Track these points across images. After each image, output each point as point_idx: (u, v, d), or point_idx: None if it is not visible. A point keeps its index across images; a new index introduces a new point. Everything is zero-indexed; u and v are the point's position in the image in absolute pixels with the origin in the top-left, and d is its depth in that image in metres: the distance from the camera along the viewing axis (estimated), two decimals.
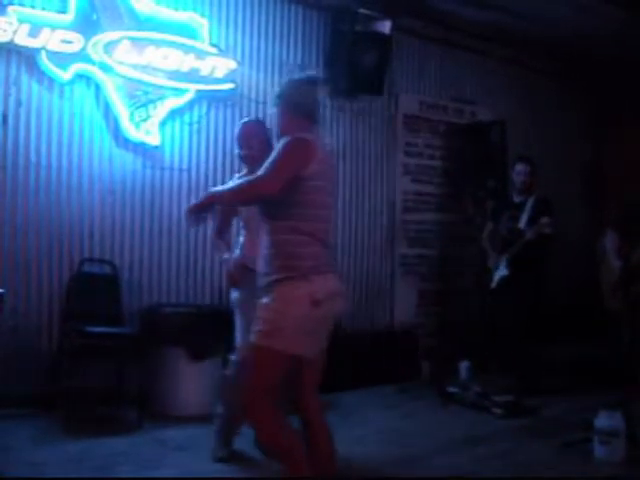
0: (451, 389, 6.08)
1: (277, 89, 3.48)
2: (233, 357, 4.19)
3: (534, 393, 5.89)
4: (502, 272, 6.27)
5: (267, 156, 3.25)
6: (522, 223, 6.22)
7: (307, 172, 3.13)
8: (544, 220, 5.92)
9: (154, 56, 5.64)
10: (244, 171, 4.34)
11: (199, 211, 3.22)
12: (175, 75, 5.76)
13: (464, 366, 6.33)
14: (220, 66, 5.94)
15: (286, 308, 3.08)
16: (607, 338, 6.66)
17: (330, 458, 3.28)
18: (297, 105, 3.33)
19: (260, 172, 3.14)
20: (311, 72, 3.66)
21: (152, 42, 5.64)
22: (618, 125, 9.01)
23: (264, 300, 3.16)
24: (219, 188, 3.62)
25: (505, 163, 7.30)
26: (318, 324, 3.16)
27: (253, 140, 4.29)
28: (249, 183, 3.24)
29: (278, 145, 3.23)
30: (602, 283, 6.47)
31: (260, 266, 3.25)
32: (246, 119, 4.72)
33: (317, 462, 3.18)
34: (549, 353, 6.51)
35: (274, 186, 3.08)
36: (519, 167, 6.48)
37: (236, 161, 6.07)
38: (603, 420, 4.51)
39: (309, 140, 3.18)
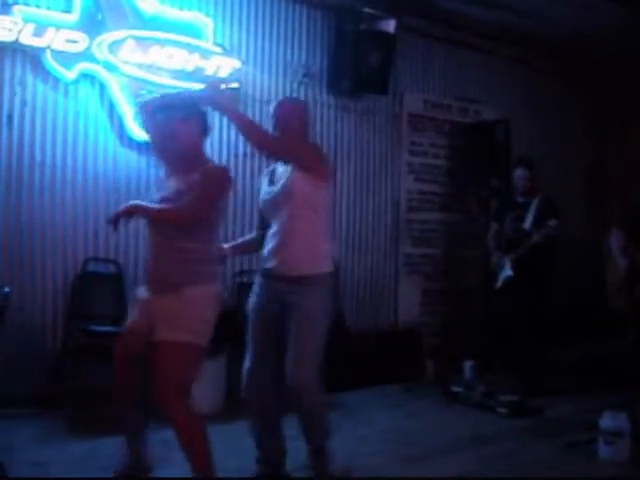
0: (455, 388, 6.08)
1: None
2: None
3: (538, 393, 5.88)
4: (507, 273, 6.25)
5: (304, 143, 3.66)
6: (527, 223, 6.20)
7: (223, 201, 3.49)
8: (552, 223, 5.90)
9: (159, 55, 5.64)
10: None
11: (120, 218, 3.47)
12: (180, 74, 5.76)
13: (468, 365, 6.33)
14: (225, 65, 5.94)
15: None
16: (612, 338, 6.64)
17: None
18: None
19: (188, 202, 3.35)
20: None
21: (157, 41, 5.64)
22: (621, 124, 9.00)
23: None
24: (145, 203, 3.60)
25: (509, 162, 7.28)
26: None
27: (295, 121, 3.84)
28: (177, 211, 3.39)
29: (206, 174, 3.45)
30: (607, 282, 6.44)
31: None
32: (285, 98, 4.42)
33: None
34: (553, 353, 6.51)
35: (201, 219, 3.38)
36: (518, 172, 6.45)
37: (240, 160, 6.10)
38: (607, 420, 4.51)
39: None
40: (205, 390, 5.36)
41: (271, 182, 3.87)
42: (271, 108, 3.91)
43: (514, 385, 5.99)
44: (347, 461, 4.08)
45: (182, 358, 3.34)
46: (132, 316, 3.62)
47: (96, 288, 5.44)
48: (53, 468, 4.07)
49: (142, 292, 3.60)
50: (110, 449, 4.43)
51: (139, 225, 5.72)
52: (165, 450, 4.01)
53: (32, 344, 5.28)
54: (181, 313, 3.38)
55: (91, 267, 5.53)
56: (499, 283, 6.34)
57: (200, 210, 3.39)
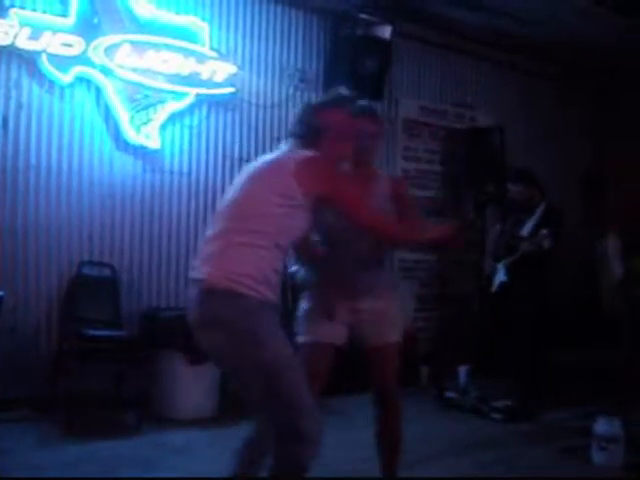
0: (450, 394, 6.08)
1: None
2: None
3: (534, 398, 5.88)
4: (501, 278, 6.21)
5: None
6: (525, 230, 6.08)
7: None
8: (542, 233, 5.78)
9: (154, 60, 5.64)
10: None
11: None
12: (175, 79, 5.76)
13: (463, 371, 6.32)
14: (220, 70, 5.95)
15: None
16: (608, 343, 6.65)
17: None
18: None
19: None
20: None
21: (153, 46, 5.65)
22: (617, 128, 9.02)
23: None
24: None
25: (504, 168, 7.29)
26: None
27: None
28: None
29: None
30: (602, 287, 6.43)
31: None
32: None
33: None
34: (550, 359, 6.50)
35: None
36: (513, 188, 6.26)
37: (236, 165, 6.10)
38: (601, 426, 4.51)
39: None
40: (200, 394, 5.37)
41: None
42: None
43: (510, 390, 5.98)
44: (342, 466, 4.08)
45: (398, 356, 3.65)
46: (316, 328, 3.47)
47: (91, 292, 5.43)
48: (48, 471, 4.06)
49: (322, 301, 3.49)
50: (105, 452, 4.44)
51: (134, 228, 5.76)
52: (160, 453, 4.01)
53: (27, 347, 5.27)
54: (395, 316, 3.61)
55: (86, 270, 5.52)
56: (494, 287, 6.30)
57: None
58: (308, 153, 2.81)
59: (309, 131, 2.93)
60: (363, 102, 3.72)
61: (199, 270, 2.78)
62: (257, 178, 2.85)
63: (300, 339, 3.46)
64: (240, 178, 2.91)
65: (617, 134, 9.01)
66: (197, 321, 2.76)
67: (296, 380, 2.73)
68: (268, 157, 2.95)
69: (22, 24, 5.13)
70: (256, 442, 3.09)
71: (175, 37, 5.78)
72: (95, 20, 5.45)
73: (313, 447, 2.78)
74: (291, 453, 2.77)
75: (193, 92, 5.89)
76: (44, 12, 5.32)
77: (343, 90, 3.22)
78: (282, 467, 2.79)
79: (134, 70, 5.57)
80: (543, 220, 6.00)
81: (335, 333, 3.51)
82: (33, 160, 5.36)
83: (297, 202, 2.73)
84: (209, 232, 2.86)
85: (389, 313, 3.58)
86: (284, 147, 2.98)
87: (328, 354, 3.52)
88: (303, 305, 3.56)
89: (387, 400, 3.66)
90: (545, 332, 6.07)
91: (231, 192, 2.89)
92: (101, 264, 5.61)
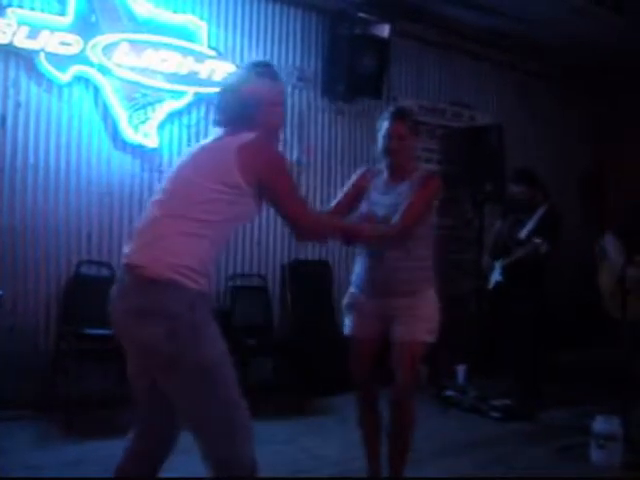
0: (449, 393, 6.08)
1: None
2: None
3: (534, 398, 5.88)
4: (497, 277, 6.19)
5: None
6: (524, 232, 6.05)
7: None
8: (536, 241, 5.74)
9: (153, 59, 5.64)
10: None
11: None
12: (174, 78, 5.76)
13: (462, 370, 6.32)
14: (219, 69, 5.94)
15: None
16: (606, 342, 6.64)
17: None
18: None
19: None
20: None
21: (151, 45, 5.65)
22: (616, 128, 9.02)
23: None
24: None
25: (503, 167, 7.29)
26: None
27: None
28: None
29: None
30: (601, 286, 6.40)
31: None
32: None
33: None
34: (550, 359, 6.49)
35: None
36: (515, 188, 6.24)
37: None
38: (600, 424, 4.51)
39: None
40: None
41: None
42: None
43: (509, 389, 5.98)
44: (340, 465, 4.07)
45: (422, 355, 3.68)
46: (356, 324, 3.72)
47: (89, 291, 5.41)
48: (47, 471, 4.05)
49: (361, 299, 3.70)
50: (104, 452, 4.42)
51: (132, 227, 5.74)
52: None
53: (25, 347, 5.26)
54: (428, 316, 3.63)
55: (84, 270, 5.52)
56: (491, 284, 6.27)
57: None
58: (249, 136, 2.64)
59: (241, 112, 2.74)
60: (396, 104, 3.80)
61: (137, 256, 2.58)
62: (197, 165, 2.69)
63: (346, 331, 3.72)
64: (180, 162, 2.77)
65: (616, 134, 9.01)
66: (130, 311, 2.53)
67: (230, 378, 2.57)
68: (207, 142, 2.81)
69: (20, 23, 5.12)
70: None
71: (173, 36, 5.78)
72: (93, 19, 5.44)
73: (252, 472, 2.58)
74: None
75: (191, 91, 5.89)
76: (42, 11, 5.31)
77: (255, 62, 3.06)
78: None
79: (132, 69, 5.57)
80: (542, 223, 5.95)
81: (372, 328, 3.63)
82: (31, 159, 5.35)
83: (241, 190, 2.59)
84: (147, 215, 2.69)
85: (423, 310, 3.61)
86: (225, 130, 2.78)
87: (370, 348, 3.68)
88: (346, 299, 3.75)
89: (398, 401, 3.59)
90: (545, 332, 6.06)
91: (171, 176, 2.73)
92: (100, 263, 5.61)
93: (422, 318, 3.58)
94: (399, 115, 3.65)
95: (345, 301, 3.78)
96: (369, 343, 3.67)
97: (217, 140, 2.75)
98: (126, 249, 2.66)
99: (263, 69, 2.86)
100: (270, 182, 2.65)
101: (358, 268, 3.72)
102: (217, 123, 2.82)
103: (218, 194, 2.58)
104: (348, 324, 3.73)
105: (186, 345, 2.47)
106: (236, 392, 2.57)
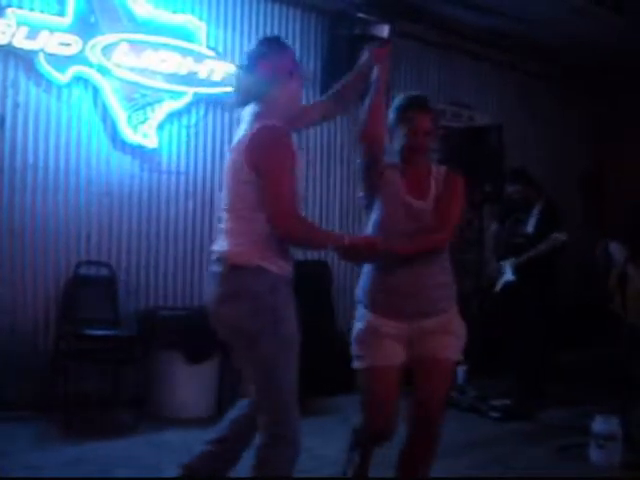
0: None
1: None
2: None
3: (535, 397, 5.87)
4: (508, 277, 6.15)
5: None
6: (530, 227, 6.09)
7: None
8: (560, 236, 5.79)
9: (152, 59, 5.64)
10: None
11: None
12: (173, 78, 5.76)
13: (461, 370, 6.31)
14: (218, 69, 5.94)
15: None
16: (607, 342, 6.63)
17: None
18: None
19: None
20: None
21: (150, 45, 5.65)
22: (616, 128, 9.02)
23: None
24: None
25: (502, 167, 7.28)
26: None
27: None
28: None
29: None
30: (612, 291, 6.37)
31: None
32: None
33: None
34: (552, 358, 6.49)
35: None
36: (511, 189, 6.31)
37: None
38: (600, 424, 4.51)
39: None
40: (197, 394, 5.37)
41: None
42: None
43: (508, 389, 5.98)
44: (340, 465, 4.06)
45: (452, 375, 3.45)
46: (376, 351, 3.18)
47: (88, 291, 5.42)
48: (46, 471, 4.05)
49: (378, 321, 3.21)
50: (103, 452, 4.43)
51: (131, 228, 5.75)
52: (158, 452, 4.00)
53: (25, 347, 5.26)
54: (461, 333, 3.39)
55: (83, 270, 5.51)
56: (498, 287, 6.26)
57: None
58: (258, 126, 2.76)
59: (258, 90, 2.85)
60: (413, 92, 3.45)
61: (225, 248, 2.82)
62: (228, 167, 2.91)
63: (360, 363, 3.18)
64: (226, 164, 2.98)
65: (616, 134, 9.01)
66: (223, 295, 2.80)
67: (291, 365, 2.77)
68: (237, 137, 2.92)
69: (19, 23, 5.12)
70: (233, 440, 3.00)
71: (173, 36, 5.77)
72: (92, 19, 5.44)
73: (297, 449, 2.79)
74: (277, 455, 2.74)
75: (191, 91, 5.89)
76: (41, 11, 5.31)
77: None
78: (267, 470, 2.75)
79: (132, 69, 5.57)
80: (545, 217, 6.02)
81: (396, 353, 3.15)
82: (31, 159, 5.35)
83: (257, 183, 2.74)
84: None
85: (456, 325, 3.32)
86: (248, 121, 2.87)
87: (395, 378, 3.17)
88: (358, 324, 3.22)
89: (425, 425, 3.18)
90: (551, 332, 6.07)
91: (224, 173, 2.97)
92: (99, 263, 5.60)
93: (456, 334, 3.29)
94: (424, 107, 3.31)
95: (357, 327, 3.22)
96: (394, 372, 3.14)
97: (241, 137, 2.84)
98: (216, 246, 2.89)
99: (271, 42, 3.00)
100: (261, 174, 2.74)
101: (368, 284, 3.27)
102: (239, 104, 2.97)
103: (244, 189, 2.76)
104: (362, 353, 3.15)
105: (265, 324, 2.71)
106: (293, 378, 2.78)
